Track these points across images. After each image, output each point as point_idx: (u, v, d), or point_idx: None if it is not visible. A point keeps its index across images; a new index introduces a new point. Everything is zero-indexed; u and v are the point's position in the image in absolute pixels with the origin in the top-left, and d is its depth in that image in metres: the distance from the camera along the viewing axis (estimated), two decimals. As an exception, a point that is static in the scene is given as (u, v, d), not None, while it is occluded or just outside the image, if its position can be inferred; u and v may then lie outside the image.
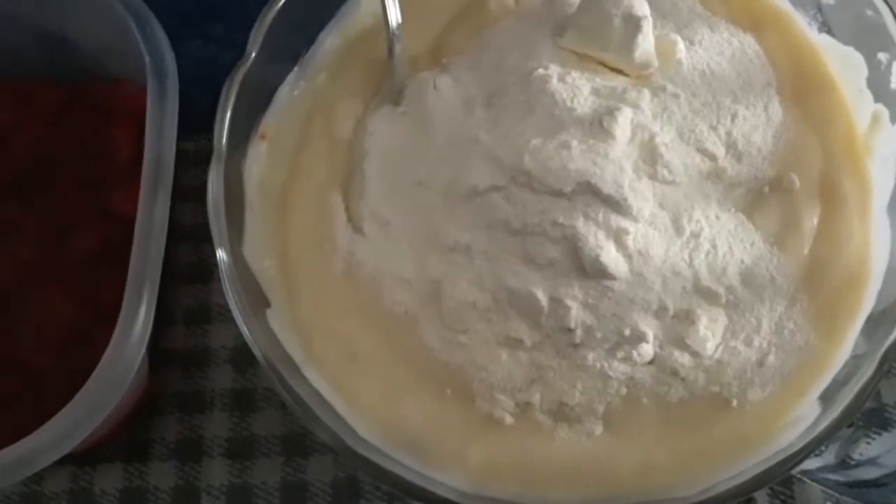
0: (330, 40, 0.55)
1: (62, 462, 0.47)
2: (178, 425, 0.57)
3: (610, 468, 0.46)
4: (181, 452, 0.57)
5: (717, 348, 0.47)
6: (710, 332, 0.47)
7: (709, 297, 0.47)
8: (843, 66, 0.53)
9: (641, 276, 0.46)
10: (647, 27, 0.49)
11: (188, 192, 0.60)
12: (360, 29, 0.55)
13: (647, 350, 0.46)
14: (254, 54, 0.50)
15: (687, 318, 0.47)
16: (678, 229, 0.47)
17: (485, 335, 0.47)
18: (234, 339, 0.59)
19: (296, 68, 0.54)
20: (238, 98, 0.49)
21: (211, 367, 0.59)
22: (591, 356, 0.46)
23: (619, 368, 0.46)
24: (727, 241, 0.48)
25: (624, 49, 0.49)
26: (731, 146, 0.50)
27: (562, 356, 0.47)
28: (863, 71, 0.52)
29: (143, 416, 0.57)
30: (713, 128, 0.49)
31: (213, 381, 0.59)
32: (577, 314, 0.46)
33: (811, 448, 0.43)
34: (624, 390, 0.46)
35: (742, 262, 0.48)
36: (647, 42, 0.49)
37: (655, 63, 0.50)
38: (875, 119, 0.51)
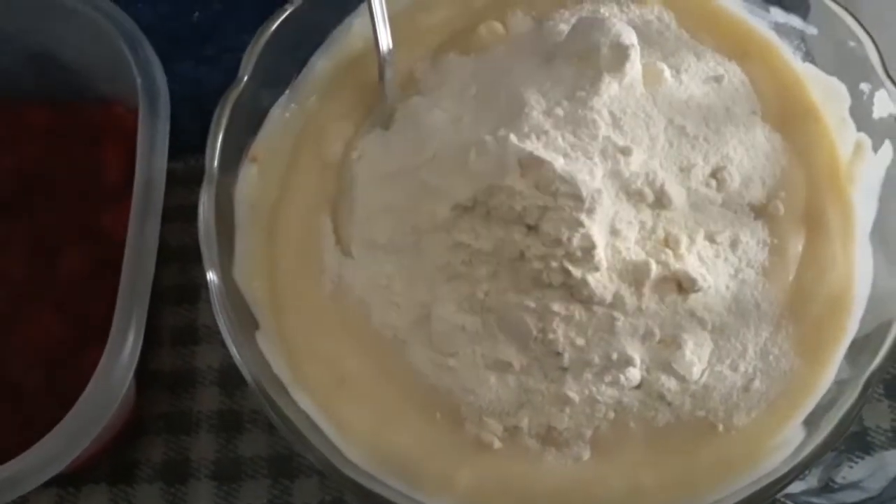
0: (321, 64, 0.55)
1: (47, 483, 0.46)
2: (165, 447, 0.57)
3: (597, 492, 0.46)
4: (167, 474, 0.56)
5: (703, 373, 0.47)
6: (696, 356, 0.47)
7: (695, 322, 0.48)
8: (827, 95, 0.54)
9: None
10: (635, 55, 0.49)
11: (176, 213, 0.60)
12: (350, 53, 0.56)
13: (635, 374, 0.47)
14: (246, 78, 0.50)
15: (673, 342, 0.47)
16: (664, 255, 0.48)
17: (473, 359, 0.47)
18: (220, 361, 0.59)
19: (287, 91, 0.54)
20: (230, 121, 0.49)
21: (198, 388, 0.59)
22: (579, 380, 0.47)
23: (606, 392, 0.47)
24: (713, 266, 0.48)
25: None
26: (716, 173, 0.50)
27: (550, 380, 0.47)
28: (846, 100, 0.53)
29: (129, 437, 0.57)
30: (704, 154, 0.50)
31: (200, 403, 0.58)
32: (565, 338, 0.46)
33: (796, 472, 0.44)
34: (612, 414, 0.47)
35: (727, 287, 0.48)
36: (634, 70, 0.50)
37: (642, 90, 0.51)
38: (858, 148, 0.52)
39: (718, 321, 0.48)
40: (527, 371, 0.47)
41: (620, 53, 0.49)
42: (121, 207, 0.51)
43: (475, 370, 0.47)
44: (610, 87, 0.49)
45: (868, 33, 0.51)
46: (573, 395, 0.46)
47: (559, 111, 0.48)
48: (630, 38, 0.49)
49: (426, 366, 0.47)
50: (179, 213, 0.61)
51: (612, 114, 0.48)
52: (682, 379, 0.47)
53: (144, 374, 0.57)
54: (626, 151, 0.47)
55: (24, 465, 0.44)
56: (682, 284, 0.47)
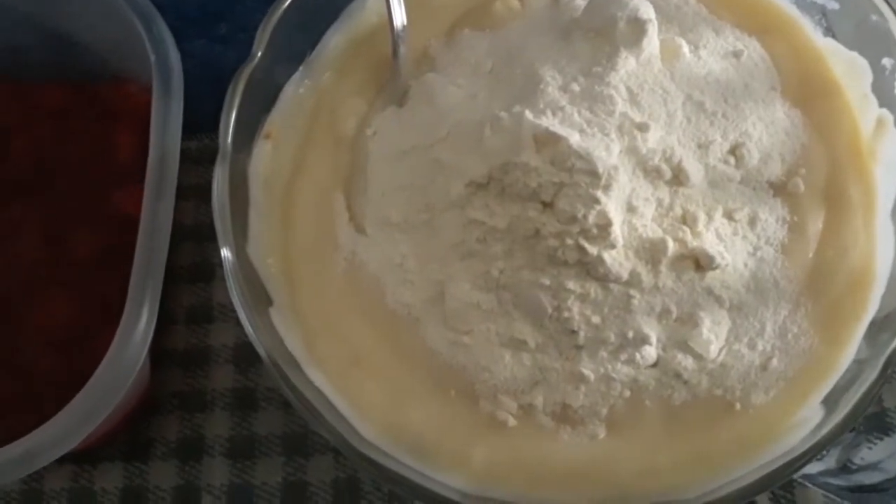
0: (335, 40, 0.55)
1: (62, 460, 0.47)
2: (179, 424, 0.57)
3: (612, 471, 0.45)
4: (182, 452, 0.57)
5: (720, 351, 0.47)
6: (713, 334, 0.47)
7: (712, 300, 0.47)
8: (848, 70, 0.53)
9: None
10: (653, 31, 0.49)
11: (190, 191, 0.60)
12: (365, 28, 0.55)
13: (651, 353, 0.46)
14: (259, 54, 0.50)
15: (690, 320, 0.47)
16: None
17: (488, 336, 0.47)
18: (235, 339, 0.59)
19: (301, 67, 0.54)
20: (244, 97, 0.49)
21: (212, 366, 0.59)
22: (594, 358, 0.46)
23: (622, 371, 0.46)
24: (731, 244, 0.48)
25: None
26: (735, 150, 0.49)
27: (565, 358, 0.47)
28: (867, 76, 0.52)
29: (144, 415, 0.57)
30: (722, 130, 0.49)
31: (214, 381, 0.58)
32: (580, 316, 0.46)
33: (814, 452, 0.43)
34: (627, 393, 0.46)
35: (746, 265, 0.48)
36: (651, 45, 0.49)
37: (660, 66, 0.50)
38: (880, 124, 0.51)
39: (736, 299, 0.47)
40: (542, 349, 0.46)
41: (638, 28, 0.48)
42: (134, 187, 0.51)
43: (490, 348, 0.47)
44: (627, 63, 0.48)
45: (891, 7, 0.50)
46: (588, 373, 0.46)
47: (575, 87, 0.47)
48: (648, 12, 0.48)
49: (440, 344, 0.47)
50: (194, 192, 0.61)
51: (629, 89, 0.48)
52: (698, 357, 0.46)
53: (159, 352, 0.58)
54: (643, 128, 0.46)
55: (38, 442, 0.45)
56: (700, 262, 0.46)
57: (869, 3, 0.51)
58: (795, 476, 0.45)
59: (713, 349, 0.46)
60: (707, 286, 0.47)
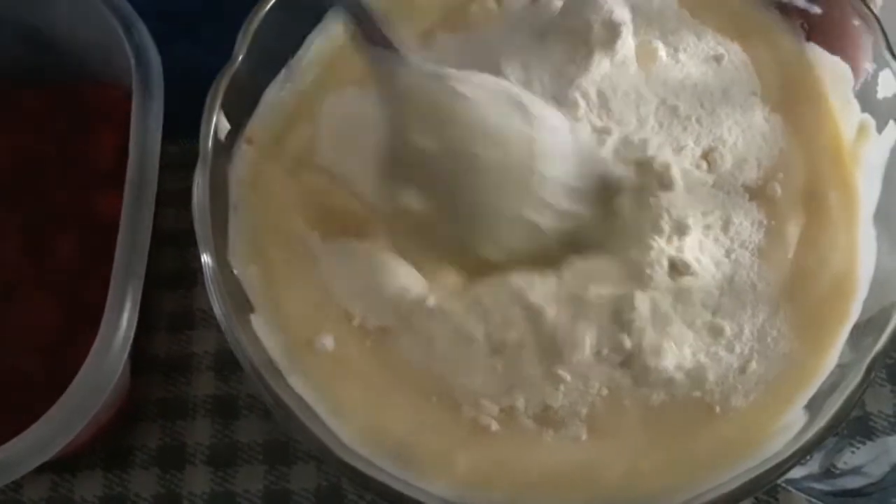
0: (318, 42, 0.54)
1: (41, 469, 0.46)
2: (160, 432, 0.57)
3: (597, 475, 0.45)
4: (163, 460, 0.56)
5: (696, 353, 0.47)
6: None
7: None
8: (830, 75, 0.53)
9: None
10: (627, 33, 0.49)
11: (171, 196, 0.60)
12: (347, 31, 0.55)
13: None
14: (241, 57, 0.49)
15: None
16: (659, 236, 0.47)
17: (467, 342, 0.46)
18: (217, 346, 0.59)
19: (283, 71, 0.53)
20: (225, 101, 0.48)
21: (193, 373, 0.58)
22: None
23: (598, 368, 0.46)
24: (708, 248, 0.48)
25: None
26: (707, 154, 0.50)
27: (540, 360, 0.46)
28: (849, 80, 0.52)
29: (124, 422, 0.56)
30: (695, 135, 0.49)
31: (196, 388, 0.58)
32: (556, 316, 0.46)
33: (798, 457, 0.43)
34: (605, 391, 0.46)
35: (718, 267, 0.48)
36: (626, 48, 0.49)
37: (636, 69, 0.50)
38: (862, 129, 0.51)
39: (711, 301, 0.47)
40: (518, 352, 0.46)
41: (612, 31, 0.48)
42: (115, 191, 0.51)
43: (467, 353, 0.46)
44: (601, 66, 0.48)
45: (872, 11, 0.50)
46: (564, 373, 0.46)
47: (537, 86, 0.47)
48: (622, 15, 0.49)
49: (416, 352, 0.47)
50: (175, 198, 0.60)
51: (601, 93, 0.48)
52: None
53: (140, 359, 0.57)
54: (604, 132, 0.47)
55: (16, 450, 0.44)
56: (676, 266, 0.47)
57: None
58: (779, 481, 0.45)
59: (688, 351, 0.46)
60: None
